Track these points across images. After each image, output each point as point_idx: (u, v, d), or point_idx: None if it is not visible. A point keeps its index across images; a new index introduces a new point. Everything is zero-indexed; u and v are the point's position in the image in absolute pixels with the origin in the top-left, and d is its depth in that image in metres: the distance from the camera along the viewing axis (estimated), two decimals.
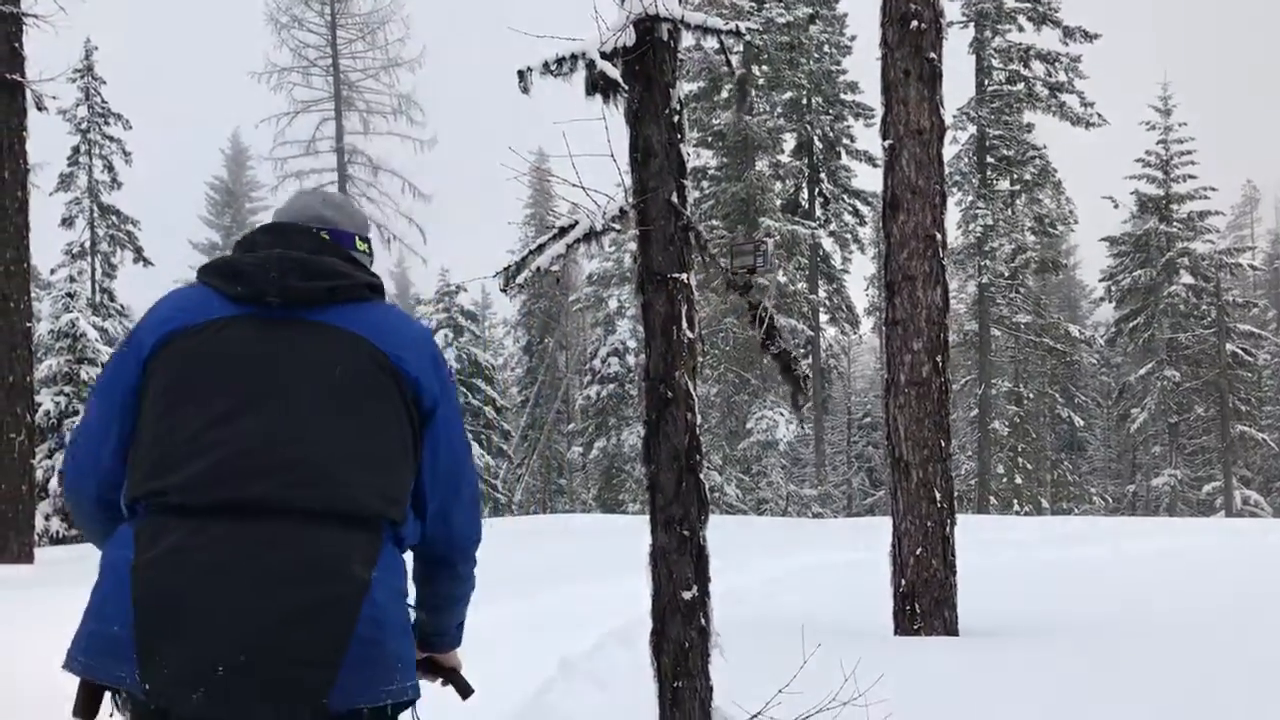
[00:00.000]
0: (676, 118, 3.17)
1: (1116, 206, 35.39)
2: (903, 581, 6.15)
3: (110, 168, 26.57)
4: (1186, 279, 34.61)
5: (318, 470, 1.68)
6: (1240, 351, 34.81)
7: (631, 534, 7.01)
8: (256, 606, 1.58)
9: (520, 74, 3.08)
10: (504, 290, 3.19)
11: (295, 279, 1.79)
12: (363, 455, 1.73)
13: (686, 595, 3.24)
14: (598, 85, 3.01)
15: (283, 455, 1.68)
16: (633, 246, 3.37)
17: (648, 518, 3.40)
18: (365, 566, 1.68)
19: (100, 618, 1.64)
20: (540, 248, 3.17)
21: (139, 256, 26.62)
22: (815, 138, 37.14)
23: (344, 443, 1.72)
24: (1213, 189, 36.01)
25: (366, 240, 2.04)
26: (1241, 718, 4.13)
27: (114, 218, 26.73)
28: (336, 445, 1.71)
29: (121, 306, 26.64)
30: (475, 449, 34.36)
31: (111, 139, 26.44)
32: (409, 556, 1.91)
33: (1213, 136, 40.72)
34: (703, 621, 3.25)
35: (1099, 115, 29.91)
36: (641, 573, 3.41)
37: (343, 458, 1.71)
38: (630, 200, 3.14)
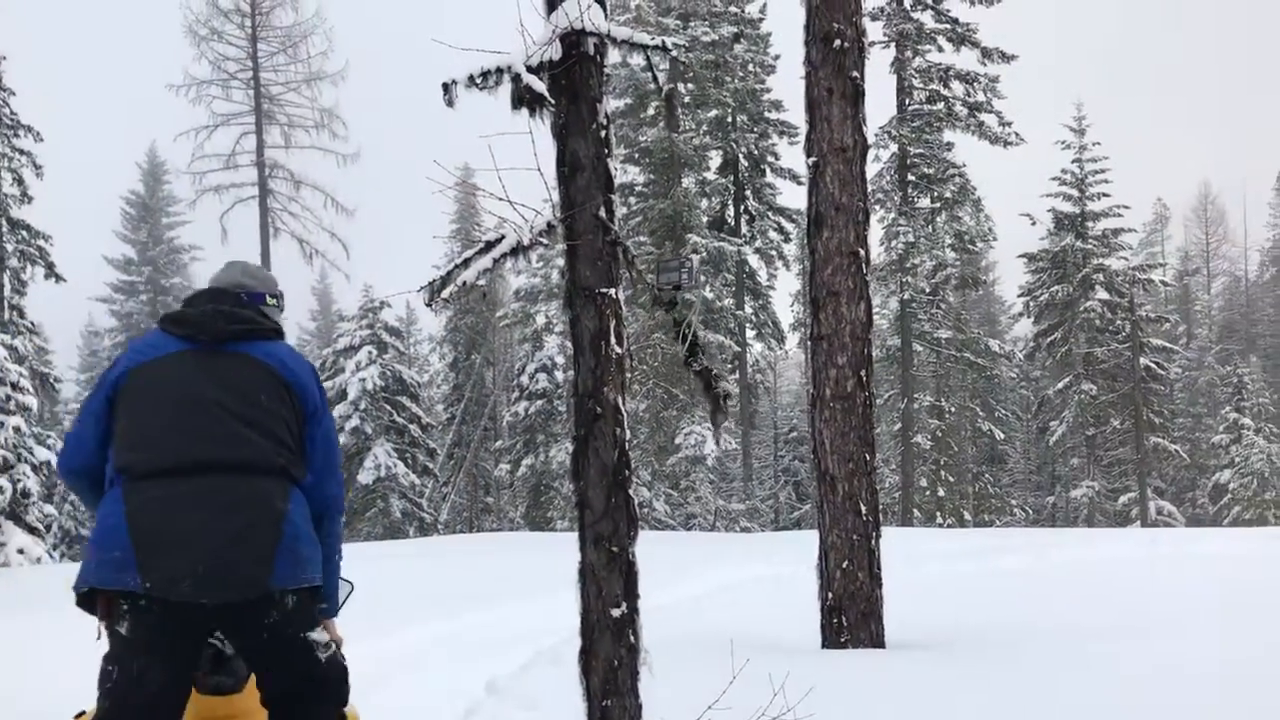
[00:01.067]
0: (604, 132, 3.16)
1: (1034, 224, 36.27)
2: (829, 595, 6.18)
3: (20, 181, 25.78)
4: (1102, 295, 35.54)
5: (240, 438, 2.63)
6: (1153, 365, 35.82)
7: (560, 551, 6.96)
8: (214, 528, 2.51)
9: (445, 86, 3.04)
10: (429, 305, 3.14)
11: (221, 324, 2.76)
12: (268, 431, 2.68)
13: (615, 612, 3.22)
14: (523, 99, 2.98)
15: (216, 431, 2.62)
16: (561, 262, 3.34)
17: (576, 535, 3.37)
18: (283, 501, 2.63)
19: (104, 549, 2.51)
20: (466, 262, 3.13)
21: (50, 272, 25.84)
22: (740, 155, 37.49)
23: (256, 424, 2.67)
24: (1126, 207, 37.07)
25: (276, 296, 3.00)
26: None
27: (24, 233, 25.94)
28: (249, 426, 2.65)
29: (32, 324, 25.84)
30: (400, 468, 33.95)
31: (21, 152, 25.67)
32: None
33: (1125, 156, 41.93)
34: (632, 639, 3.23)
35: (1016, 134, 30.60)
36: (570, 590, 3.38)
37: (253, 434, 2.65)
38: (558, 215, 3.12)
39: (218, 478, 2.57)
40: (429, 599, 8.90)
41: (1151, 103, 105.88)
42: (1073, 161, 36.94)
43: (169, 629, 2.52)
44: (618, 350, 3.20)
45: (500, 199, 3.17)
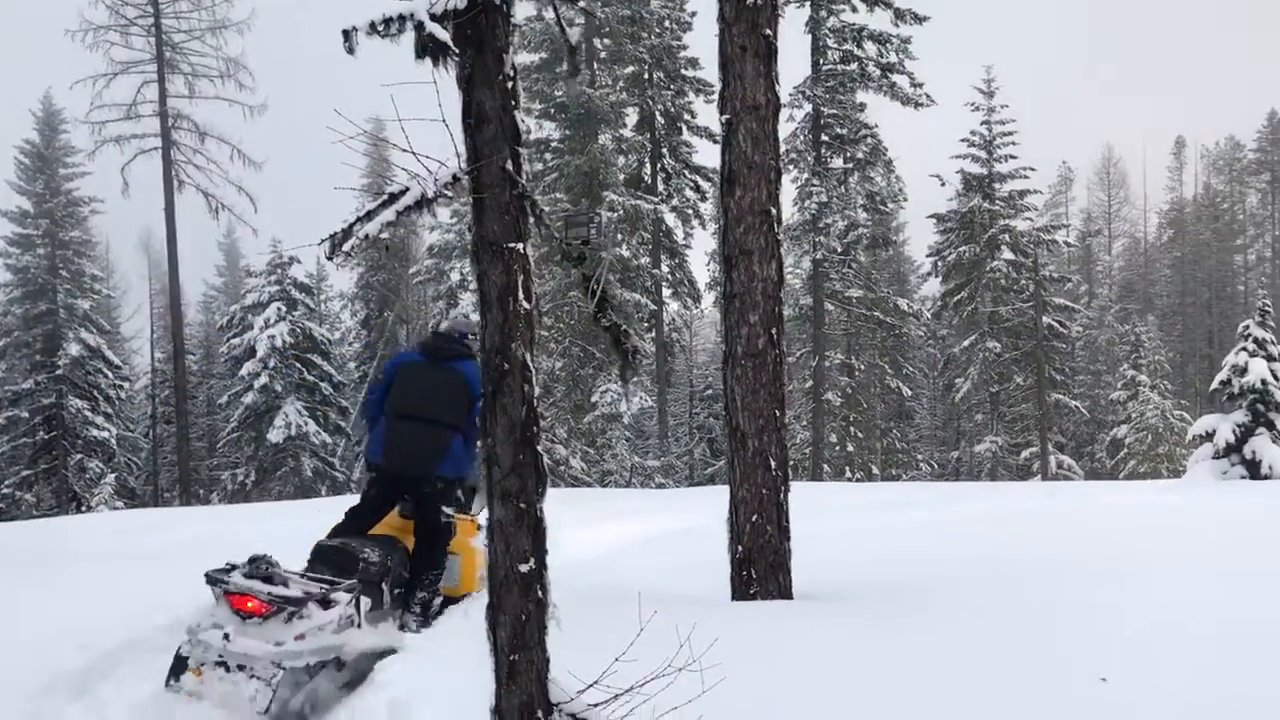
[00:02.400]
0: (511, 84, 3.10)
1: (943, 185, 36.88)
2: (739, 548, 6.28)
3: None
4: (1007, 255, 36.36)
5: (434, 406, 6.12)
6: (1055, 324, 36.86)
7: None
8: (414, 444, 6.08)
9: (345, 34, 2.96)
10: (329, 259, 3.08)
11: (441, 350, 6.27)
12: (449, 407, 6.13)
13: (523, 568, 3.22)
14: (427, 48, 2.91)
15: (425, 401, 6.13)
16: (470, 218, 3.29)
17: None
18: (446, 437, 6.13)
19: (373, 445, 6.22)
20: (369, 214, 3.06)
21: None
22: (657, 112, 37.35)
23: (442, 403, 6.13)
24: (1032, 169, 37.91)
25: (472, 334, 6.03)
26: (1083, 671, 4.37)
27: None
28: (441, 404, 6.13)
29: None
30: (311, 426, 33.37)
31: None
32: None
33: (1031, 119, 42.83)
34: (540, 593, 3.24)
35: (927, 96, 30.96)
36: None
37: (440, 406, 6.14)
38: (464, 167, 3.07)
39: (421, 423, 6.11)
40: None
41: (1057, 67, 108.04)
42: (981, 124, 37.60)
43: (385, 483, 6.20)
44: (526, 306, 3.17)
45: (406, 151, 3.11)
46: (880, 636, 5.00)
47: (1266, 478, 17.14)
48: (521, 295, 3.20)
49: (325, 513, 7.09)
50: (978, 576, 6.75)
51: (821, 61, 31.57)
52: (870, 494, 17.13)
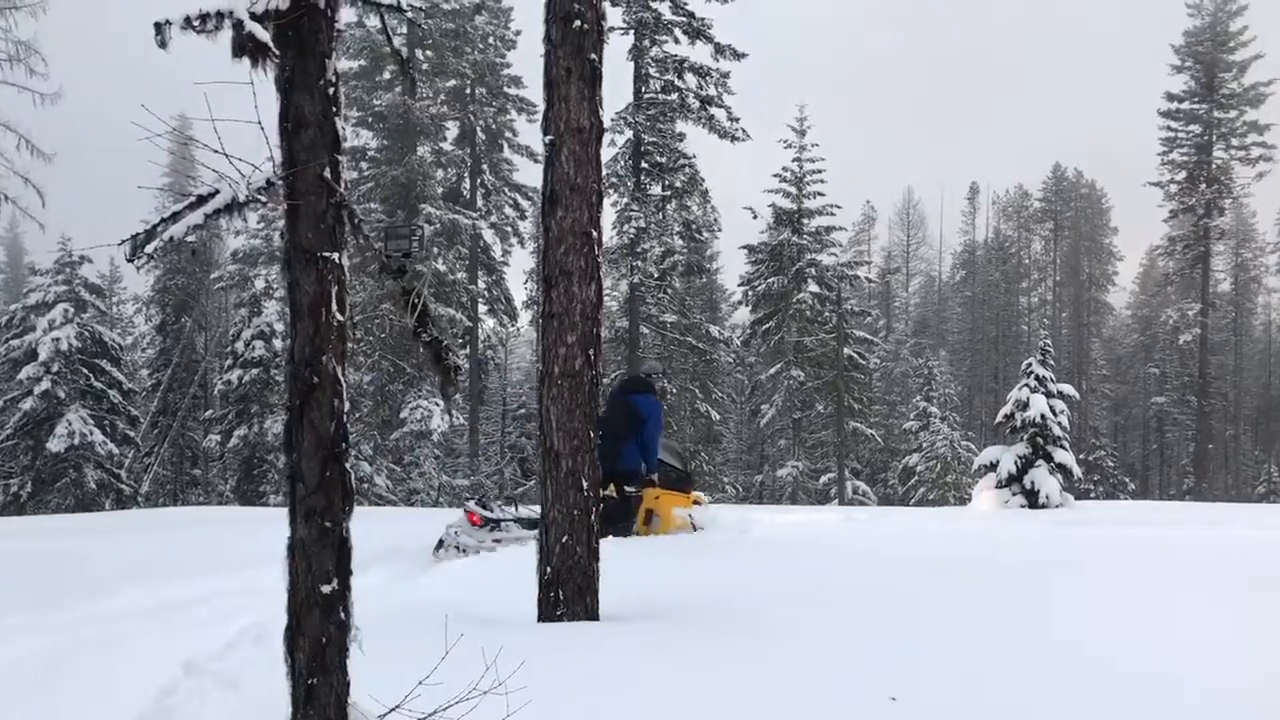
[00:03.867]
0: (332, 90, 3.02)
1: (755, 217, 38.09)
2: (548, 569, 6.25)
3: None
4: (813, 288, 37.80)
5: (618, 423, 10.63)
6: (855, 355, 38.52)
7: (272, 527, 6.66)
8: (610, 449, 10.06)
9: (157, 26, 2.81)
10: (130, 261, 2.91)
11: (627, 387, 11.24)
12: (627, 427, 10.72)
13: (326, 589, 3.11)
14: (245, 47, 2.80)
15: (614, 419, 10.63)
16: (282, 223, 3.18)
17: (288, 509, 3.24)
18: (626, 443, 10.66)
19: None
20: (175, 216, 2.91)
21: None
22: (479, 128, 37.11)
23: (620, 423, 10.68)
24: (838, 206, 39.54)
25: (655, 375, 11.55)
26: (878, 690, 4.52)
27: None
28: (620, 423, 10.67)
29: None
30: (98, 435, 31.37)
31: None
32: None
33: (839, 158, 44.75)
34: (342, 615, 3.14)
35: (744, 130, 31.86)
36: (280, 567, 3.24)
37: (622, 424, 10.68)
38: (279, 172, 2.96)
39: (611, 439, 10.10)
40: (124, 575, 8.30)
41: (865, 112, 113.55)
42: (793, 160, 39.00)
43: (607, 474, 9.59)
44: (339, 317, 3.09)
45: (217, 152, 2.98)
46: (682, 657, 5.07)
47: (1044, 506, 18.34)
48: (334, 306, 3.11)
49: (115, 533, 6.67)
50: (779, 598, 6.94)
51: (644, 90, 32.09)
52: None
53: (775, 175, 39.03)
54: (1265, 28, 48.73)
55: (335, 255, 3.06)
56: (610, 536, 9.25)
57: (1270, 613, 6.45)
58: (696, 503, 11.97)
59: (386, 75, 34.35)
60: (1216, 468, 56.27)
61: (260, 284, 32.74)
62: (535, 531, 8.41)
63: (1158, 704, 4.31)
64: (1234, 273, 64.08)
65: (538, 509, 6.90)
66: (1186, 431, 54.33)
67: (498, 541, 10.03)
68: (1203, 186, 48.37)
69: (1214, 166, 48.55)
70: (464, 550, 9.82)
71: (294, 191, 2.97)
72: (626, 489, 10.77)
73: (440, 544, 9.90)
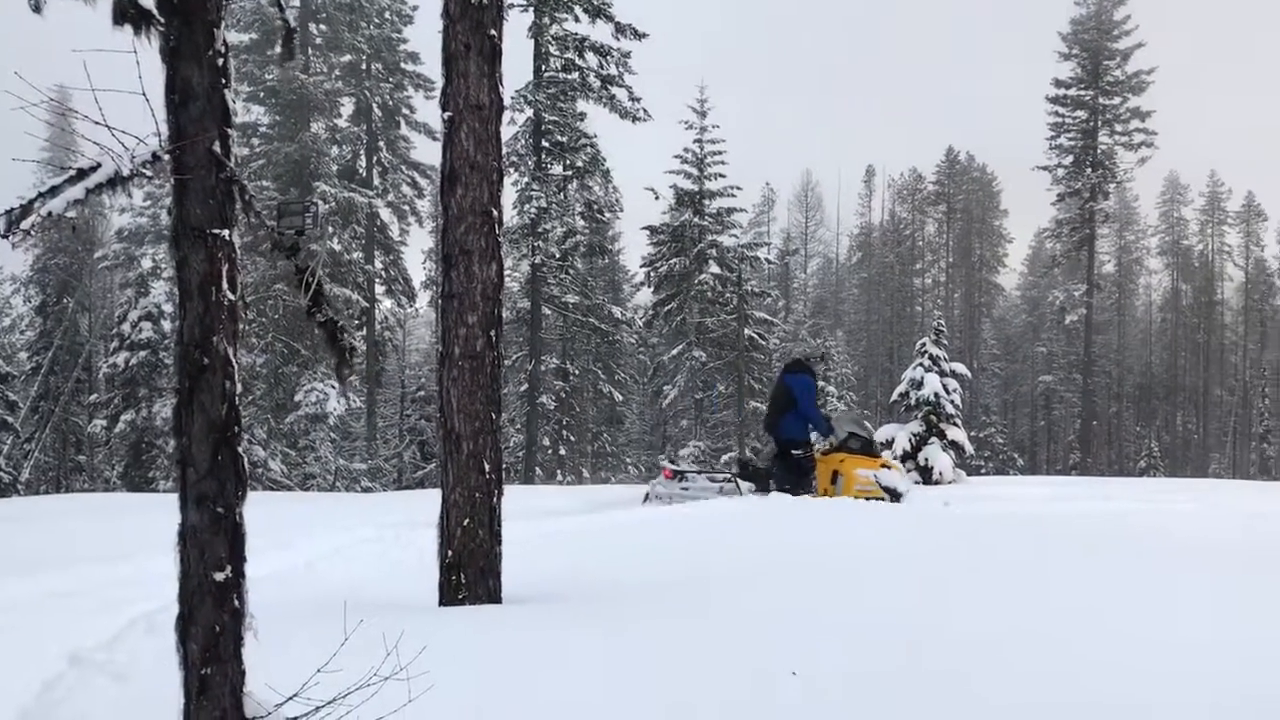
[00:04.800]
0: (221, 60, 2.91)
1: (657, 198, 38.11)
2: (449, 553, 6.19)
3: None
4: (714, 269, 38.03)
5: (778, 400, 13.90)
6: (756, 336, 38.92)
7: (161, 513, 6.46)
8: (767, 421, 14.18)
9: None
10: (5, 237, 2.76)
11: (790, 369, 14.13)
12: (785, 402, 13.76)
13: (219, 576, 3.02)
14: (127, 14, 2.68)
15: (775, 397, 14.08)
16: (170, 200, 3.06)
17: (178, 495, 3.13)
18: (783, 414, 13.67)
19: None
20: (54, 190, 2.78)
21: None
22: (375, 104, 36.41)
23: (781, 399, 13.88)
24: (738, 188, 39.81)
25: (810, 360, 18.29)
26: (780, 665, 4.58)
27: None
28: (779, 399, 13.90)
29: None
30: None
31: None
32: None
33: (739, 139, 45.02)
34: (236, 603, 3.05)
35: (645, 111, 31.82)
36: (171, 555, 3.14)
37: (781, 399, 13.93)
38: (165, 145, 2.85)
39: (773, 412, 13.87)
40: (4, 566, 7.97)
41: (762, 94, 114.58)
42: (694, 141, 39.12)
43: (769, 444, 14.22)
44: (230, 297, 2.99)
45: (99, 124, 2.85)
46: (585, 638, 5.07)
47: (937, 482, 18.85)
48: (225, 285, 3.01)
49: None
50: (684, 580, 6.98)
51: (544, 68, 31.82)
52: (579, 495, 17.38)
53: (677, 156, 39.12)
54: (1146, 17, 50.62)
55: (226, 232, 2.96)
56: (778, 494, 12.34)
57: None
58: (886, 466, 13.47)
59: (278, 49, 33.43)
60: (1100, 443, 58.58)
61: (147, 263, 31.65)
62: (718, 487, 12.89)
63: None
64: (1118, 255, 66.66)
65: (720, 474, 12.51)
66: (1072, 409, 56.37)
67: (685, 490, 12.76)
68: (1088, 171, 50.07)
69: (1099, 151, 50.31)
70: (663, 499, 12.50)
71: (181, 166, 2.86)
72: (793, 453, 13.44)
73: (646, 496, 13.12)
